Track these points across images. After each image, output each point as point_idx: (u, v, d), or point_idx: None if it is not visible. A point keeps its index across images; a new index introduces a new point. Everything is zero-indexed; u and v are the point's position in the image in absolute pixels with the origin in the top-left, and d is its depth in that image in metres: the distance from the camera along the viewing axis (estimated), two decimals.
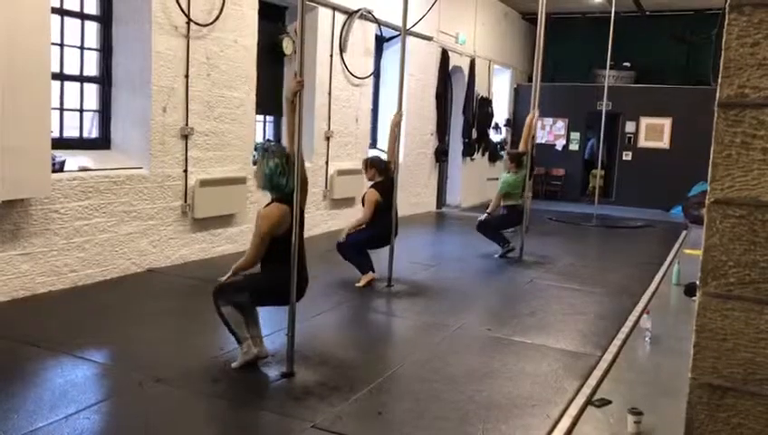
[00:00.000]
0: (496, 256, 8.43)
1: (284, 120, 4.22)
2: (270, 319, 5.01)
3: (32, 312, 5.35)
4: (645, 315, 5.52)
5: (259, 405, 3.85)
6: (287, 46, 8.64)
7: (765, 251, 1.69)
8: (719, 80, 1.72)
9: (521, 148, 8.74)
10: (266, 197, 4.38)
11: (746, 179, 1.69)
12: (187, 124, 7.02)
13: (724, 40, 1.71)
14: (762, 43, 1.64)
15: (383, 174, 6.73)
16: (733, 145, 1.69)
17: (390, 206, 6.64)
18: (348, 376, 4.28)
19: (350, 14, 9.57)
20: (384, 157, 7.15)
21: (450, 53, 12.71)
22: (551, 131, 16.17)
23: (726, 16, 1.68)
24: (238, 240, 7.82)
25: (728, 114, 1.70)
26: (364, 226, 6.63)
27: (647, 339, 5.25)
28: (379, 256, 6.80)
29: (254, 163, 8.01)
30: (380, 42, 11.05)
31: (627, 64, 15.57)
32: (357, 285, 6.56)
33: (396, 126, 6.80)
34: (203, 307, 4.55)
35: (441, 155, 13.03)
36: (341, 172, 9.62)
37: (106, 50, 6.64)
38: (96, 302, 5.75)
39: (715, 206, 1.73)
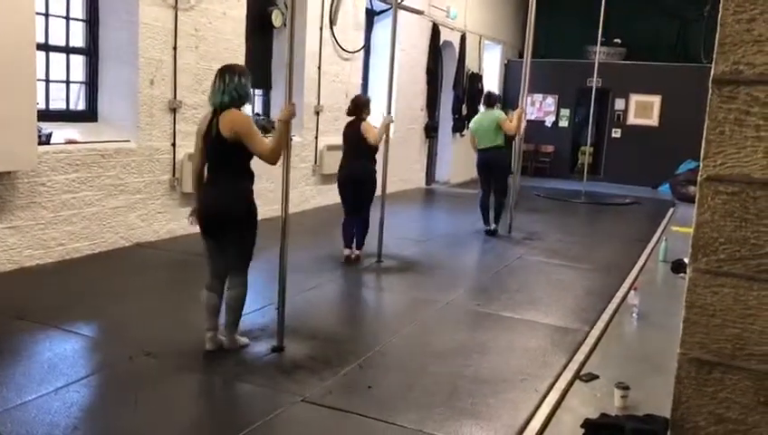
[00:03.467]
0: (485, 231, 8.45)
1: (275, 136, 4.16)
2: (260, 293, 5.02)
3: (20, 285, 5.32)
4: (632, 292, 5.57)
5: (249, 379, 3.86)
6: (276, 18, 8.54)
7: (756, 228, 1.70)
8: (714, 56, 1.71)
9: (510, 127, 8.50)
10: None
11: (739, 156, 1.69)
12: (175, 97, 6.94)
13: (719, 16, 1.70)
14: (758, 19, 1.63)
15: (351, 114, 6.60)
16: (726, 122, 1.69)
17: (352, 152, 6.51)
18: (338, 350, 4.30)
19: None
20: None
21: (441, 28, 12.60)
22: (540, 108, 16.14)
23: None
24: None
25: (722, 91, 1.69)
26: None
27: (634, 315, 5.30)
28: (369, 232, 6.79)
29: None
30: (371, 15, 10.94)
31: (617, 41, 15.51)
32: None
33: (386, 127, 6.58)
34: (192, 281, 4.54)
35: (431, 131, 12.98)
36: (331, 147, 9.54)
37: (92, 21, 6.53)
38: (84, 276, 5.73)
39: (707, 182, 1.74)
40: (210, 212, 4.09)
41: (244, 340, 4.33)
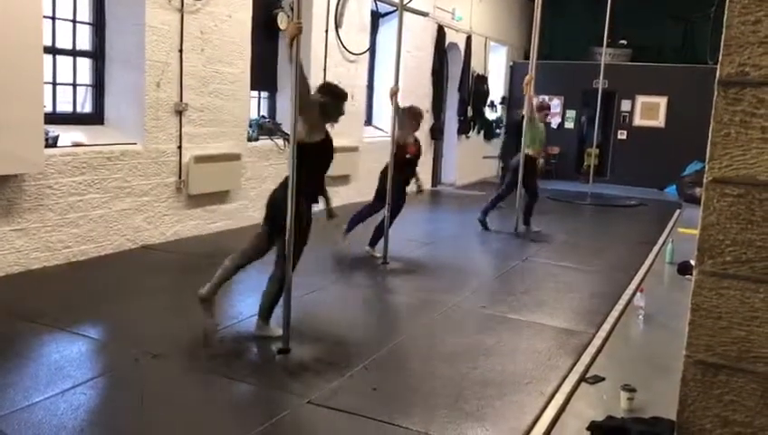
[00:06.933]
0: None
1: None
2: None
3: (26, 287, 5.34)
4: (638, 293, 5.55)
5: (255, 381, 3.87)
6: (282, 21, 8.55)
7: (762, 230, 1.70)
8: (719, 58, 1.71)
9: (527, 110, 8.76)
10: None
11: (745, 158, 1.69)
12: (181, 100, 6.96)
13: (725, 17, 1.69)
14: (763, 21, 1.62)
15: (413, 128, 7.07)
16: (732, 124, 1.69)
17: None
18: (343, 352, 4.31)
19: None
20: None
21: (446, 30, 12.60)
22: None
23: None
24: (233, 217, 7.79)
25: (728, 92, 1.69)
26: None
27: (640, 317, 5.29)
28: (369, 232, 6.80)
29: (249, 140, 8.01)
30: (376, 17, 10.95)
31: (623, 42, 15.47)
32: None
33: (393, 96, 6.66)
34: (198, 283, 4.55)
35: (436, 133, 12.98)
36: (336, 150, 9.53)
37: (99, 24, 6.56)
38: (91, 278, 5.75)
39: (712, 184, 1.73)
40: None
41: (272, 331, 4.40)
